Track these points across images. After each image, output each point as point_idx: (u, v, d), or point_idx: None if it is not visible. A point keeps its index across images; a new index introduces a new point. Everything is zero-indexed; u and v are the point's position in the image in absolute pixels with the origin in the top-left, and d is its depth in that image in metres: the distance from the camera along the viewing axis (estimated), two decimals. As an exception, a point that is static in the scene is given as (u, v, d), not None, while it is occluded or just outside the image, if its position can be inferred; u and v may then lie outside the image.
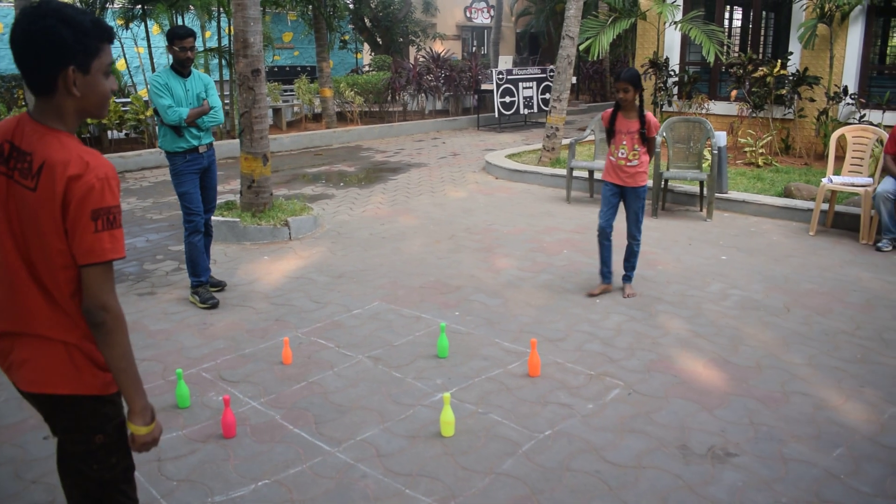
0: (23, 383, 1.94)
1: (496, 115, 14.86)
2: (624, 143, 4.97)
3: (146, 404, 1.94)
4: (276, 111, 14.22)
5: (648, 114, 4.98)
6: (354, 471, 3.20)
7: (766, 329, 4.65)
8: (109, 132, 11.81)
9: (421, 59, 16.43)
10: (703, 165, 7.74)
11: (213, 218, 6.71)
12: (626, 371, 4.08)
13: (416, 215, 7.93)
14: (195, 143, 5.16)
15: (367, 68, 20.01)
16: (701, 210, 7.72)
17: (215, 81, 12.11)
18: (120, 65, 15.00)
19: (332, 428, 3.56)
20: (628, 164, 4.98)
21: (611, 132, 5.05)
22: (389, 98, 15.76)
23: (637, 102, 4.96)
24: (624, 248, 5.24)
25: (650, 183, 6.75)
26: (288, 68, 18.66)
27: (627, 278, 5.24)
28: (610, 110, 5.08)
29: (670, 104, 11.60)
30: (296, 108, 14.97)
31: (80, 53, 1.83)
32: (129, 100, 11.63)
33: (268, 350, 4.44)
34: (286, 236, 6.92)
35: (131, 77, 14.88)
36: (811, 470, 3.13)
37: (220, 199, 7.67)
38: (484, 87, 16.03)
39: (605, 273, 5.26)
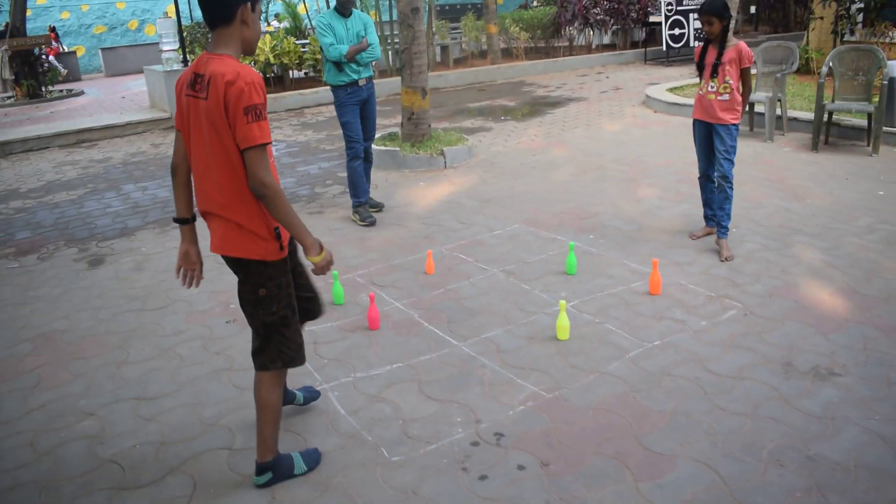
0: (213, 247, 2.61)
1: (664, 49, 14.40)
2: (715, 76, 4.66)
3: (313, 241, 2.54)
4: (444, 48, 14.67)
5: (741, 43, 4.62)
6: (475, 361, 3.65)
7: (912, 263, 4.52)
8: (291, 72, 12.85)
9: (588, -8, 16.12)
10: (873, 97, 7.27)
11: (375, 147, 7.37)
12: (747, 294, 4.18)
13: (568, 147, 8.14)
14: (355, 76, 5.70)
15: (535, 3, 19.90)
16: (868, 145, 7.29)
17: (384, 21, 12.80)
18: (301, 9, 16.06)
19: (461, 327, 4.02)
20: (719, 97, 4.64)
21: (700, 66, 4.75)
22: (555, 33, 15.70)
23: (724, 33, 4.59)
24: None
25: (805, 114, 6.32)
26: (458, 6, 19.01)
27: (722, 231, 4.76)
28: (700, 46, 4.79)
29: (852, 33, 10.73)
30: (463, 46, 15.34)
31: None
32: (307, 41, 12.54)
33: (414, 262, 4.97)
34: (441, 165, 7.41)
35: (310, 20, 15.92)
36: (918, 393, 3.17)
37: (384, 131, 8.30)
38: (653, 19, 15.51)
39: (709, 216, 5.08)
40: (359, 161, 5.91)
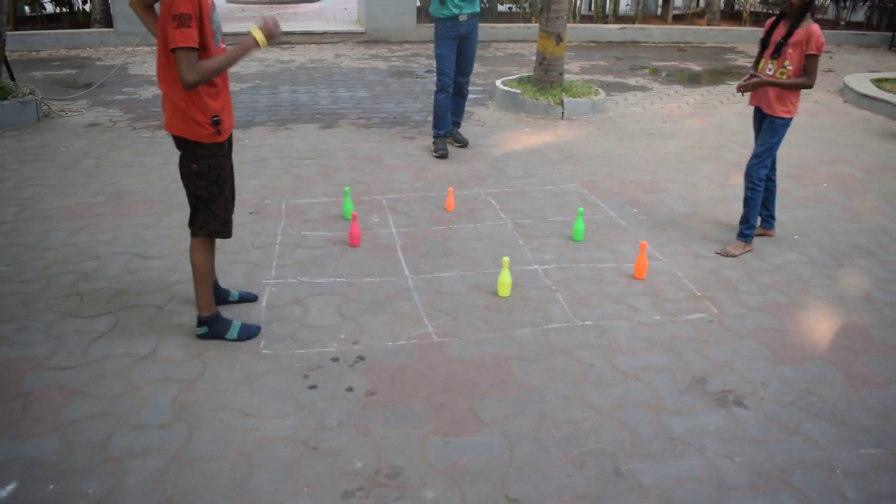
0: (165, 126, 3.07)
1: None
2: (776, 57, 4.05)
3: (248, 40, 2.89)
4: (665, 1, 13.88)
5: (813, 26, 3.95)
6: (406, 294, 3.79)
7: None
8: (500, 6, 12.92)
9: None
10: None
11: (502, 87, 7.41)
12: (734, 303, 3.79)
13: (707, 120, 7.55)
14: (456, 11, 5.78)
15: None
16: None
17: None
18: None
19: (425, 262, 4.14)
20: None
21: (765, 43, 4.13)
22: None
23: (804, 11, 3.96)
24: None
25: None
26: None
27: (742, 235, 4.33)
28: (773, 18, 4.17)
29: None
30: (679, 1, 14.33)
31: None
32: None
33: (441, 198, 5.08)
34: (558, 115, 7.28)
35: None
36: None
37: (523, 73, 8.25)
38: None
39: (764, 216, 4.54)
40: (445, 94, 6.04)
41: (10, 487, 2.46)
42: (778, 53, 4.05)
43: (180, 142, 3.09)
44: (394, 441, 2.70)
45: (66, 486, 2.46)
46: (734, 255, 4.29)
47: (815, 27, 3.97)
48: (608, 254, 4.32)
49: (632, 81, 9.41)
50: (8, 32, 10.56)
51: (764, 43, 4.16)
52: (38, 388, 2.98)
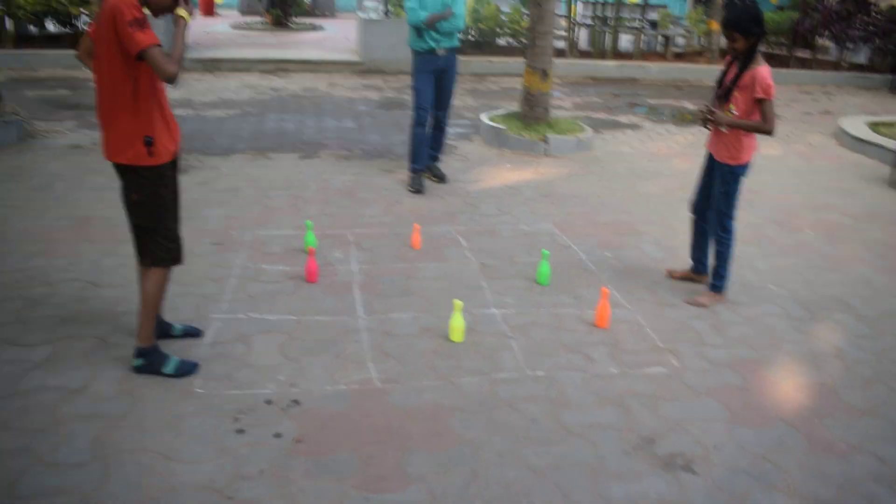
0: (104, 154, 3.04)
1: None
2: (723, 101, 3.93)
3: (180, 22, 2.94)
4: (666, 39, 13.90)
5: (760, 68, 3.77)
6: (355, 335, 3.70)
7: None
8: (496, 39, 13.00)
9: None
10: None
11: (487, 122, 7.37)
12: (698, 357, 3.65)
13: (696, 161, 7.35)
14: (433, 45, 5.75)
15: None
16: None
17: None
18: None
19: (381, 302, 4.05)
20: (721, 127, 3.97)
21: (719, 84, 4.02)
22: (796, 42, 14.06)
23: (751, 53, 3.81)
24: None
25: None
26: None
27: (713, 286, 4.20)
28: (728, 59, 4.04)
29: None
30: (680, 39, 14.35)
31: None
32: (508, 10, 12.55)
33: (409, 234, 4.97)
34: (542, 151, 7.21)
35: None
36: None
37: (511, 109, 8.21)
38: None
39: (694, 258, 4.41)
40: (421, 128, 5.99)
41: None
42: (726, 98, 3.95)
43: (119, 169, 3.06)
44: (312, 495, 2.58)
45: (-37, 528, 2.35)
46: (704, 306, 4.17)
47: (763, 69, 3.80)
48: (571, 299, 4.21)
49: (623, 119, 9.36)
50: (7, 52, 10.66)
51: (718, 84, 4.06)
52: (-42, 420, 2.87)
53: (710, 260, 4.29)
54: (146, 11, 2.91)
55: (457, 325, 3.66)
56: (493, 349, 3.62)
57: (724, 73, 4.01)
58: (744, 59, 3.86)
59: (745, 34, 3.76)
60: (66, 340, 3.48)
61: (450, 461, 2.79)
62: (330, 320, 3.82)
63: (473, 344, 3.66)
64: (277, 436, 2.89)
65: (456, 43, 5.87)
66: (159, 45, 2.79)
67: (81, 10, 11.12)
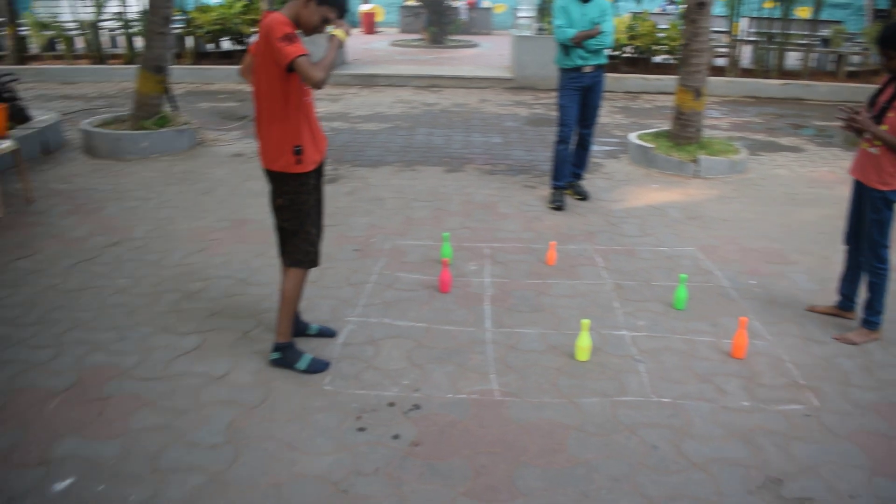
0: (261, 162, 3.30)
1: None
2: (883, 122, 3.56)
3: (335, 40, 3.13)
4: (839, 56, 12.98)
5: None
6: (480, 347, 3.73)
7: None
8: (653, 56, 12.70)
9: None
10: None
11: (636, 140, 7.23)
12: (843, 399, 3.36)
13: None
14: (580, 62, 5.72)
15: None
16: None
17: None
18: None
19: (510, 316, 4.06)
20: (870, 148, 3.63)
21: (871, 104, 3.67)
22: None
23: None
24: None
25: None
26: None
27: (866, 322, 3.88)
28: (885, 77, 3.68)
29: None
30: (855, 57, 13.29)
31: None
32: (667, 27, 12.22)
33: (543, 251, 4.97)
34: (692, 172, 6.96)
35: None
36: None
37: (663, 128, 7.99)
38: None
39: (843, 293, 4.07)
40: (565, 145, 5.96)
41: (67, 482, 2.65)
42: (880, 118, 3.63)
43: (270, 175, 3.29)
44: (422, 496, 2.64)
45: (112, 489, 2.62)
46: (854, 343, 3.85)
47: None
48: (708, 326, 4.03)
49: (784, 141, 8.83)
50: (187, 67, 11.74)
51: (871, 103, 3.74)
52: (117, 394, 3.20)
53: (862, 295, 3.96)
54: (299, 32, 3.12)
55: (583, 344, 3.61)
56: (619, 371, 3.54)
57: (879, 93, 3.71)
58: None
59: None
60: (214, 332, 3.76)
61: (561, 480, 2.75)
62: (458, 330, 3.88)
63: (599, 364, 3.59)
64: (396, 437, 2.97)
65: (603, 60, 5.80)
66: (307, 55, 2.97)
67: (252, 28, 12.03)
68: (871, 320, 3.87)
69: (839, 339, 3.87)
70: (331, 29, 3.18)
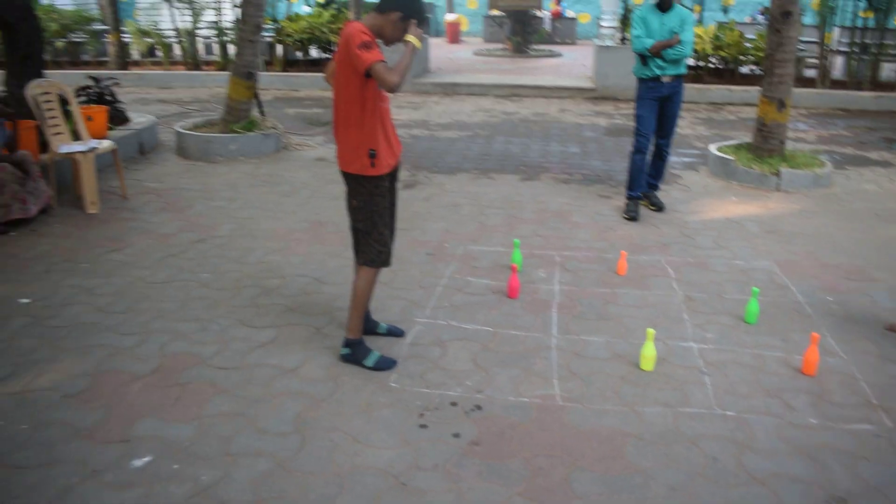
0: (338, 164, 3.45)
1: None
2: None
3: (408, 48, 3.24)
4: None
5: None
6: (545, 353, 3.77)
7: None
8: (739, 66, 12.43)
9: None
10: None
11: (716, 153, 7.13)
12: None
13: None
14: (658, 72, 5.69)
15: None
16: None
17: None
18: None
19: (578, 324, 4.08)
20: None
21: None
22: None
23: None
24: None
25: None
26: None
27: None
28: None
29: None
30: None
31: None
32: (754, 36, 11.91)
33: (615, 260, 4.96)
34: (773, 185, 6.79)
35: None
36: None
37: (745, 140, 7.81)
38: None
39: None
40: (641, 155, 5.94)
41: (146, 459, 2.85)
42: None
43: (346, 177, 3.45)
44: (479, 494, 2.71)
45: (186, 468, 2.80)
46: None
47: None
48: (779, 341, 3.95)
49: (874, 155, 8.49)
50: (276, 74, 12.19)
51: None
52: (195, 381, 3.40)
53: None
54: (379, 42, 3.26)
55: (648, 353, 3.61)
56: (684, 382, 3.52)
57: None
58: None
59: None
60: (289, 327, 3.94)
61: (618, 486, 2.77)
62: (524, 335, 3.94)
63: (664, 375, 3.58)
64: (456, 435, 3.05)
65: (683, 70, 5.75)
66: (384, 61, 3.10)
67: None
68: None
69: None
70: (406, 35, 3.29)
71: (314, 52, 13.65)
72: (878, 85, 12.11)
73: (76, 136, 6.09)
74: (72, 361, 3.55)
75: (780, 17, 6.48)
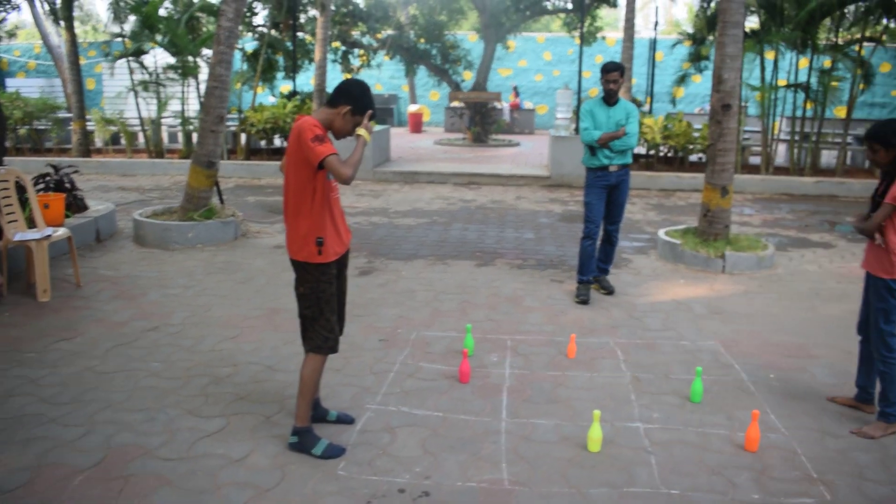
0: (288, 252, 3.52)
1: None
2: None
3: (361, 140, 3.41)
4: None
5: None
6: (495, 437, 3.79)
7: None
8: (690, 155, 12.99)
9: None
10: None
11: (664, 237, 7.38)
12: (852, 492, 3.31)
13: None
14: (606, 162, 5.95)
15: None
16: None
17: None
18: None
19: (526, 408, 4.13)
20: (874, 240, 3.89)
21: (872, 199, 3.93)
22: None
23: (893, 164, 3.75)
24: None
25: None
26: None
27: (882, 415, 3.90)
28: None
29: None
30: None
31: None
32: (700, 127, 12.49)
33: (565, 343, 5.06)
34: (719, 268, 7.03)
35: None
36: None
37: (693, 225, 8.11)
38: None
39: (860, 385, 4.17)
40: (590, 241, 6.13)
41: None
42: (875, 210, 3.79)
43: (294, 265, 3.52)
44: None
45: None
46: (872, 437, 3.82)
47: None
48: (723, 419, 4.04)
49: (815, 237, 8.85)
50: (239, 162, 12.40)
51: (872, 199, 3.93)
52: (139, 473, 3.35)
53: (878, 387, 3.97)
54: (330, 135, 3.41)
55: (595, 435, 3.66)
56: (630, 463, 3.56)
57: (877, 189, 3.87)
58: (887, 172, 3.80)
59: (885, 145, 3.74)
60: (238, 416, 3.92)
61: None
62: (473, 420, 3.97)
63: (610, 456, 3.63)
64: (401, 523, 3.04)
65: (629, 160, 6.03)
66: (336, 154, 3.25)
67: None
68: (888, 412, 3.85)
69: (857, 434, 3.85)
70: (357, 129, 3.45)
71: (277, 141, 13.94)
72: (818, 171, 12.72)
73: (32, 224, 6.10)
74: (11, 455, 3.48)
75: (721, 110, 6.87)
